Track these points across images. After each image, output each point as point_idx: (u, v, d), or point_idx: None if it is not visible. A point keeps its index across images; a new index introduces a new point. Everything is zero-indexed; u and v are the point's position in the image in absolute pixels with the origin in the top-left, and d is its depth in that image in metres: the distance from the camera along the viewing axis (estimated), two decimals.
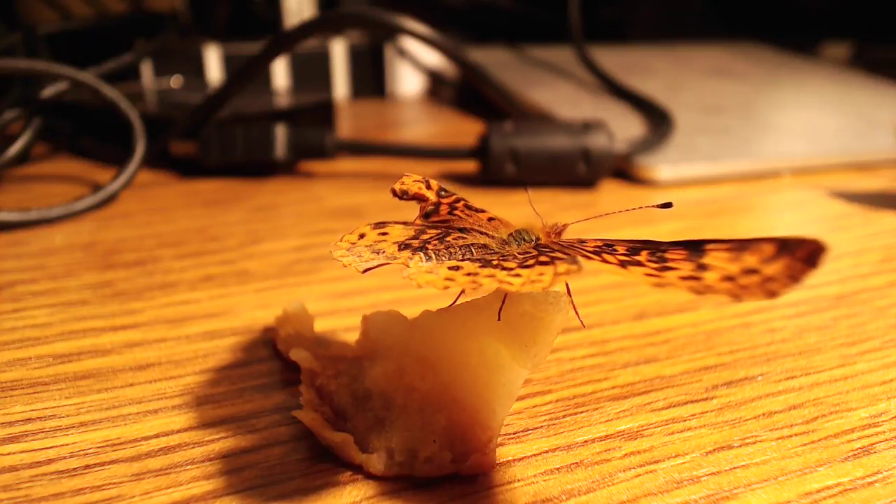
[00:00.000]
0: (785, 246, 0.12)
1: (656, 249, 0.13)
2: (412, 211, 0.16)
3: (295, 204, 0.29)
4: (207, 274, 0.23)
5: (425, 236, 0.15)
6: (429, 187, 0.16)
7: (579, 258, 0.13)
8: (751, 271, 0.12)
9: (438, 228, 0.16)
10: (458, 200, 0.16)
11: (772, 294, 0.11)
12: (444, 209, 0.16)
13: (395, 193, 0.16)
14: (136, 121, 0.30)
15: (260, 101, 0.37)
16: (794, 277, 0.11)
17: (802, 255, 0.11)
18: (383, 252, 0.15)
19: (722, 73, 0.50)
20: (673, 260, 0.13)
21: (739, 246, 0.12)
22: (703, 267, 0.12)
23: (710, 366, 0.18)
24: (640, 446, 0.15)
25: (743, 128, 0.38)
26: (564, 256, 0.13)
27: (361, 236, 0.15)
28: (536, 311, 0.14)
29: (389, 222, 0.16)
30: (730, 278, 0.12)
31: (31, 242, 0.25)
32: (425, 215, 0.16)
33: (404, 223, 0.16)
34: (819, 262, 0.11)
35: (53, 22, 0.42)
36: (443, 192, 0.16)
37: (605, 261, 0.13)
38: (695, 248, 0.13)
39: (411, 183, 0.16)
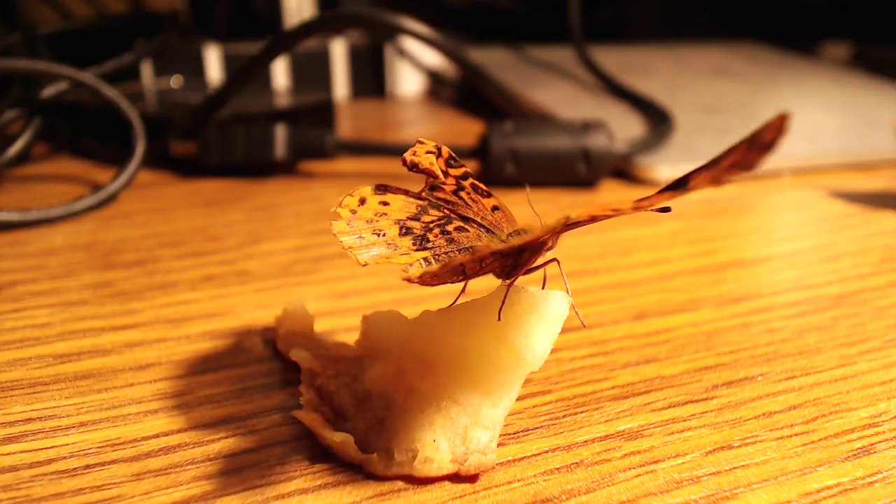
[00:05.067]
0: (753, 140, 0.12)
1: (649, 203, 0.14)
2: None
3: (295, 204, 0.29)
4: (207, 274, 0.23)
5: (427, 218, 0.15)
6: (439, 155, 0.16)
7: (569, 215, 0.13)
8: (731, 167, 0.12)
9: (440, 210, 0.15)
10: (465, 177, 0.16)
11: (750, 167, 0.12)
12: (450, 184, 0.16)
13: (404, 163, 0.16)
14: (136, 121, 0.30)
15: (260, 101, 0.37)
16: (767, 148, 0.12)
17: (770, 133, 0.12)
18: (384, 234, 0.15)
19: (722, 73, 0.50)
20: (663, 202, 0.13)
21: (714, 163, 0.13)
22: (689, 189, 0.13)
23: (710, 366, 0.18)
24: (640, 446, 0.15)
25: (743, 128, 0.38)
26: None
27: (362, 202, 0.15)
28: (536, 310, 0.14)
29: (392, 189, 0.16)
30: (713, 179, 0.13)
31: (31, 242, 0.25)
32: (431, 188, 0.16)
33: (406, 193, 0.16)
34: (786, 127, 0.11)
35: (53, 22, 0.41)
36: (452, 161, 0.16)
37: (593, 218, 0.14)
38: (678, 185, 0.13)
39: (423, 155, 0.16)
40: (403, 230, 0.15)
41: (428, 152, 0.16)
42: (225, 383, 0.17)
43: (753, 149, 0.12)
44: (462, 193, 0.16)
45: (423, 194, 0.16)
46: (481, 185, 0.16)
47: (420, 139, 0.16)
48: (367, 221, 0.15)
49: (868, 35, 0.59)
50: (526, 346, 0.14)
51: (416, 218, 0.15)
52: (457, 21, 0.57)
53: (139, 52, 0.37)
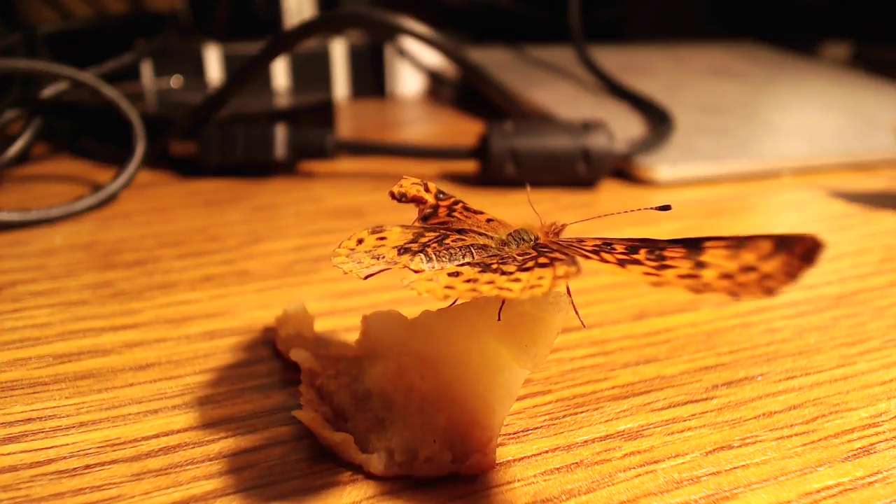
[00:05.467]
0: (782, 243, 0.12)
1: (655, 247, 0.13)
2: (411, 212, 0.16)
3: (295, 204, 0.29)
4: (207, 274, 0.23)
5: (424, 239, 0.15)
6: (427, 190, 0.16)
7: (578, 259, 0.13)
8: (749, 269, 0.12)
9: (437, 231, 0.16)
10: (456, 203, 0.16)
11: (769, 292, 0.11)
12: (442, 211, 0.16)
13: (393, 196, 0.16)
14: (136, 121, 0.30)
15: (260, 101, 0.37)
16: (791, 275, 0.11)
17: (800, 251, 0.11)
18: (383, 257, 0.15)
19: (722, 73, 0.50)
20: (671, 258, 0.13)
21: (737, 243, 0.12)
22: (701, 265, 0.12)
23: (710, 366, 0.18)
24: (640, 446, 0.15)
25: (743, 128, 0.38)
26: (563, 257, 0.13)
27: (360, 241, 0.15)
28: (536, 311, 0.14)
29: (387, 226, 0.16)
30: (728, 276, 0.12)
31: (31, 242, 0.25)
32: (423, 218, 0.16)
33: (402, 226, 0.16)
34: (816, 258, 0.11)
35: (53, 22, 0.41)
36: (441, 195, 0.16)
37: (603, 260, 0.13)
38: (693, 245, 0.13)
39: (409, 186, 0.16)
40: (402, 251, 0.15)
41: (414, 183, 0.16)
42: (225, 383, 0.17)
43: (780, 252, 0.12)
44: (455, 214, 0.16)
45: (417, 224, 0.16)
46: (472, 207, 0.16)
47: (404, 176, 0.16)
48: (366, 252, 0.15)
49: (868, 35, 0.59)
50: (526, 346, 0.14)
51: (413, 241, 0.15)
52: (457, 21, 0.57)
53: (139, 52, 0.37)
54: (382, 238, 0.15)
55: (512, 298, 0.13)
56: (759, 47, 0.58)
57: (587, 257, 0.13)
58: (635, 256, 0.13)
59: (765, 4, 0.62)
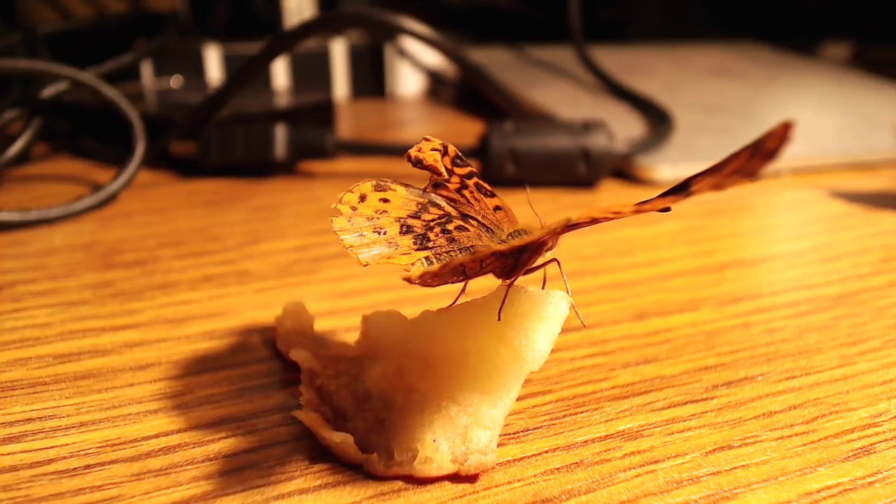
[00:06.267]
0: (757, 149, 0.12)
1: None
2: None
3: (295, 204, 0.29)
4: (207, 274, 0.23)
5: (427, 216, 0.15)
6: (445, 153, 0.16)
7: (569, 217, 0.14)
8: (732, 174, 0.12)
9: (441, 209, 0.15)
10: (470, 175, 0.16)
11: (751, 175, 0.12)
12: (454, 182, 0.16)
13: (409, 159, 0.16)
14: (136, 121, 0.30)
15: (260, 101, 0.37)
16: (771, 156, 0.12)
17: (773, 141, 0.12)
18: (384, 232, 0.15)
19: (722, 73, 0.50)
20: (664, 202, 0.13)
21: (717, 168, 0.13)
22: (690, 194, 0.13)
23: (710, 366, 0.18)
24: (640, 446, 0.15)
25: (743, 128, 0.38)
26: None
27: (362, 199, 0.15)
28: (536, 310, 0.14)
29: (392, 185, 0.16)
30: (715, 185, 0.13)
31: (31, 242, 0.25)
32: (435, 185, 0.16)
33: (407, 187, 0.16)
34: (790, 135, 0.11)
35: (53, 22, 0.42)
36: (458, 161, 0.16)
37: (594, 220, 0.14)
38: (681, 189, 0.13)
39: (428, 152, 0.16)
40: (404, 228, 0.15)
41: (433, 149, 0.16)
42: (225, 383, 0.17)
43: (756, 156, 0.12)
44: (465, 192, 0.16)
45: (427, 190, 0.16)
46: (485, 185, 0.16)
47: (426, 136, 0.16)
48: (368, 219, 0.15)
49: (868, 35, 0.59)
50: (526, 345, 0.14)
51: (416, 216, 0.15)
52: (457, 21, 0.57)
53: (139, 52, 0.37)
54: (385, 200, 0.15)
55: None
56: (759, 47, 0.58)
57: (580, 223, 0.14)
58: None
59: (765, 4, 0.62)
